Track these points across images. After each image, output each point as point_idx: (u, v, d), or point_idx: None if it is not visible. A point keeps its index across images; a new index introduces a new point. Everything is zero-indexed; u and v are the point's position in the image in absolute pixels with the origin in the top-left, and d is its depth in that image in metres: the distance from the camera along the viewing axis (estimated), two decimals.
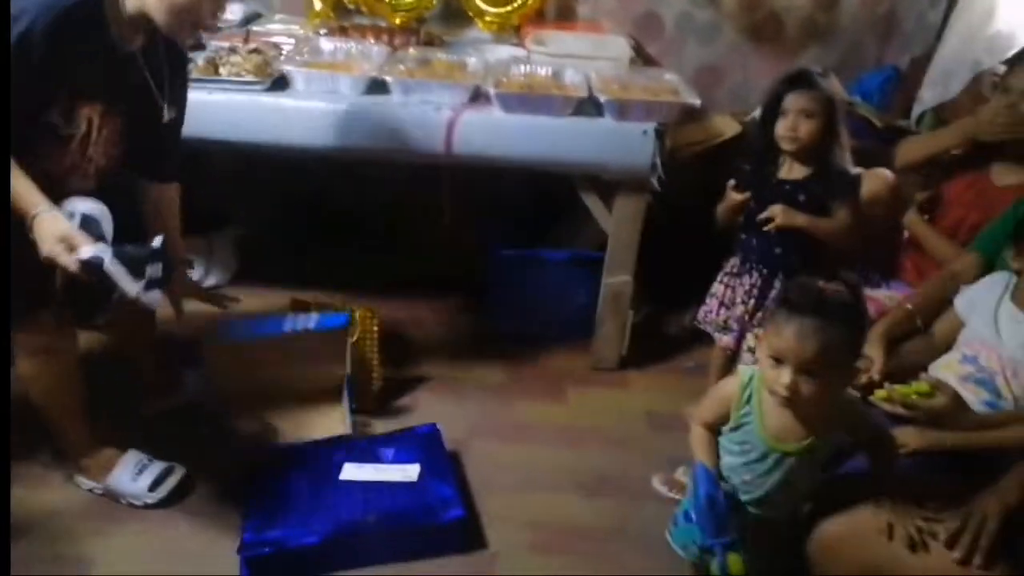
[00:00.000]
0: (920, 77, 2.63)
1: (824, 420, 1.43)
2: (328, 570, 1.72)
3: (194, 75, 2.09)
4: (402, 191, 2.80)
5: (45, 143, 1.55)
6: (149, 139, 1.74)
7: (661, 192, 2.20)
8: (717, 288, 2.06)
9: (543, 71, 2.29)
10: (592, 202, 2.30)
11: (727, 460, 1.54)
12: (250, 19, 2.68)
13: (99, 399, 1.88)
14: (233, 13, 2.65)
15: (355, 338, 2.14)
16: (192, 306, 2.57)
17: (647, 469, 2.05)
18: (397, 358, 2.34)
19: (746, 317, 1.99)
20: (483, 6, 2.73)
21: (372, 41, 2.44)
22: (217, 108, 2.09)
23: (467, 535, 1.81)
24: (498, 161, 2.18)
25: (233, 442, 1.96)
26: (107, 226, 1.51)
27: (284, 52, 2.31)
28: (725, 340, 2.05)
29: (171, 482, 1.87)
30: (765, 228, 1.89)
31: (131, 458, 1.87)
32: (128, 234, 1.53)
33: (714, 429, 1.56)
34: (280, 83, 2.15)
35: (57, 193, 1.50)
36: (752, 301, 1.98)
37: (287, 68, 2.15)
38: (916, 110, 2.56)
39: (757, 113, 2.62)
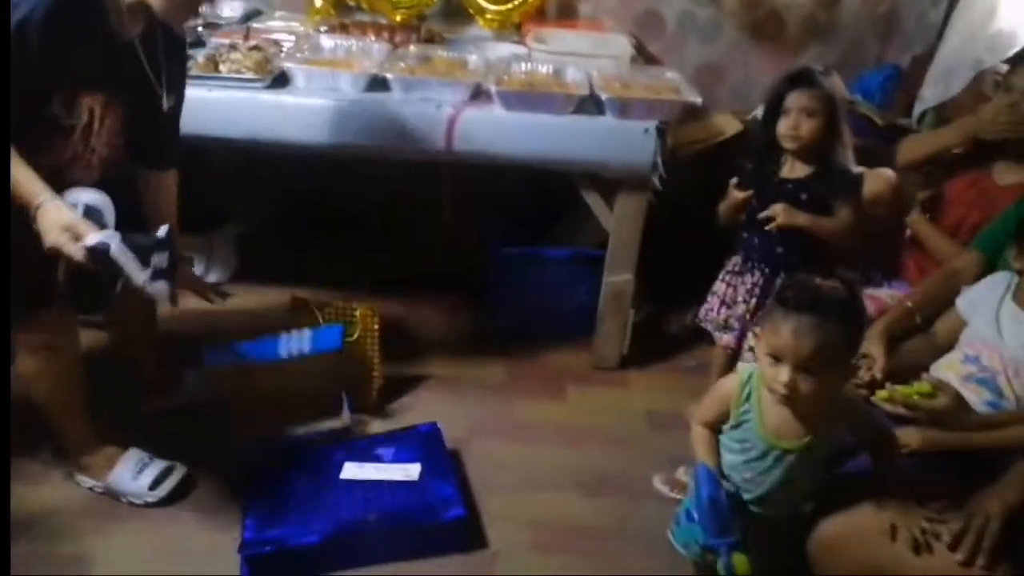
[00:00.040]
0: (921, 76, 2.62)
1: (823, 417, 1.43)
2: (328, 569, 1.72)
3: (194, 72, 2.09)
4: (402, 189, 2.79)
5: (47, 134, 1.54)
6: (148, 127, 1.73)
7: (662, 190, 2.20)
8: (719, 286, 2.06)
9: (544, 69, 2.29)
10: (593, 200, 2.30)
11: (728, 458, 1.54)
12: (250, 16, 2.67)
13: (100, 397, 1.88)
14: (233, 10, 2.65)
15: (355, 336, 2.14)
16: (192, 304, 2.59)
17: (648, 468, 2.05)
18: (398, 356, 2.34)
19: (747, 316, 1.99)
20: (484, 4, 2.73)
21: (373, 38, 2.43)
22: (217, 105, 2.08)
23: (468, 534, 1.81)
24: (499, 159, 2.17)
25: (234, 441, 1.96)
26: (109, 217, 1.51)
27: (284, 49, 2.31)
28: (726, 339, 2.05)
29: (172, 481, 1.86)
30: (766, 228, 1.88)
31: (132, 456, 1.87)
32: (130, 224, 1.53)
33: (715, 428, 1.56)
34: (280, 80, 2.14)
35: (60, 185, 1.49)
36: (753, 300, 1.98)
37: (287, 65, 2.14)
38: (917, 109, 2.55)
39: (758, 111, 2.63)
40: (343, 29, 2.52)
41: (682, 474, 1.98)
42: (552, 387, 2.38)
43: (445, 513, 1.76)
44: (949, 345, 1.69)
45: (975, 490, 1.42)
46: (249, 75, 2.11)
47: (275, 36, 2.44)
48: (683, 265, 2.31)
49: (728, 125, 2.64)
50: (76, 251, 1.42)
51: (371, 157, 2.21)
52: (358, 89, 2.13)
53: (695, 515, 1.48)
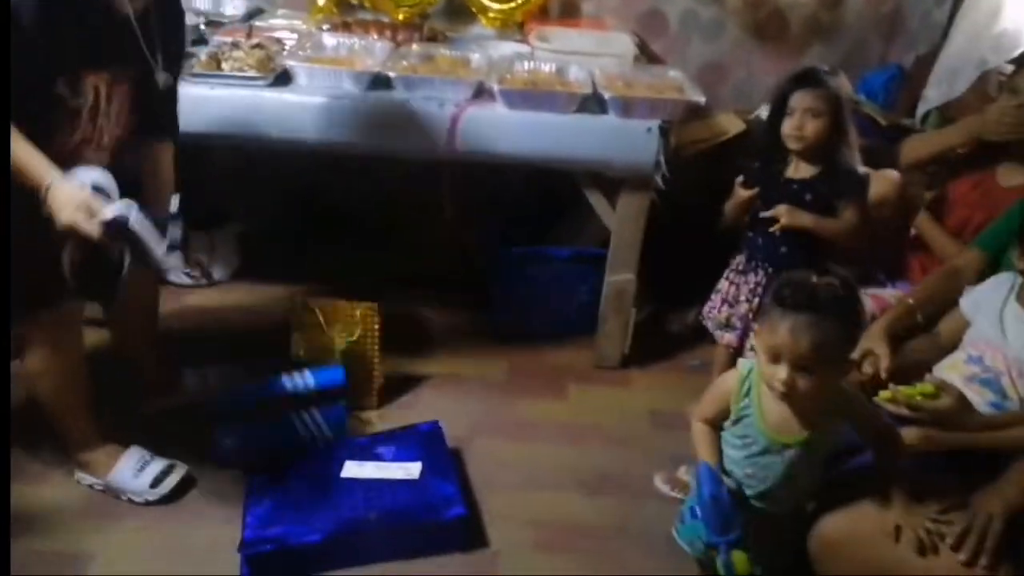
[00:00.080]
0: (925, 76, 2.61)
1: (822, 413, 1.44)
2: (329, 568, 1.71)
3: (197, 70, 2.09)
4: (403, 188, 2.79)
5: (54, 116, 1.53)
6: (145, 101, 1.72)
7: (665, 190, 2.20)
8: (722, 284, 2.06)
9: (547, 68, 2.28)
10: (595, 199, 2.29)
11: (730, 454, 1.54)
12: (252, 14, 2.67)
13: (101, 396, 1.88)
14: (236, 8, 2.64)
15: (356, 336, 2.13)
16: (191, 302, 2.60)
17: (649, 467, 2.04)
18: (399, 355, 2.33)
19: (750, 315, 1.99)
20: (487, 2, 2.72)
21: (375, 37, 2.43)
22: (219, 103, 2.07)
23: (468, 533, 1.81)
24: (502, 158, 2.17)
25: (234, 441, 1.95)
26: (115, 196, 1.50)
27: (287, 47, 2.30)
28: (728, 338, 2.04)
29: (172, 479, 1.86)
30: (770, 229, 1.88)
31: (133, 455, 1.87)
32: (132, 199, 1.52)
33: (715, 425, 1.57)
34: (283, 78, 2.14)
35: (70, 168, 1.48)
36: (756, 299, 1.97)
37: (290, 63, 2.14)
38: (921, 109, 2.54)
39: (761, 111, 2.64)
40: (345, 27, 2.52)
41: (683, 473, 1.98)
42: (554, 386, 2.37)
43: (446, 512, 1.76)
44: (953, 345, 1.69)
45: (976, 489, 1.42)
46: (251, 73, 2.11)
47: (277, 34, 2.44)
48: (685, 264, 2.31)
49: (731, 124, 2.64)
50: (93, 227, 1.42)
51: (373, 155, 2.20)
52: (361, 88, 2.12)
53: (698, 513, 1.48)
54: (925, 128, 2.50)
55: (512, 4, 2.72)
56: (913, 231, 2.11)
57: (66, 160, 1.49)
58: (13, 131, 1.42)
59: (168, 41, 1.70)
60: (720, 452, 1.56)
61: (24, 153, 1.43)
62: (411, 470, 1.85)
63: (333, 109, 2.10)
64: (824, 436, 1.47)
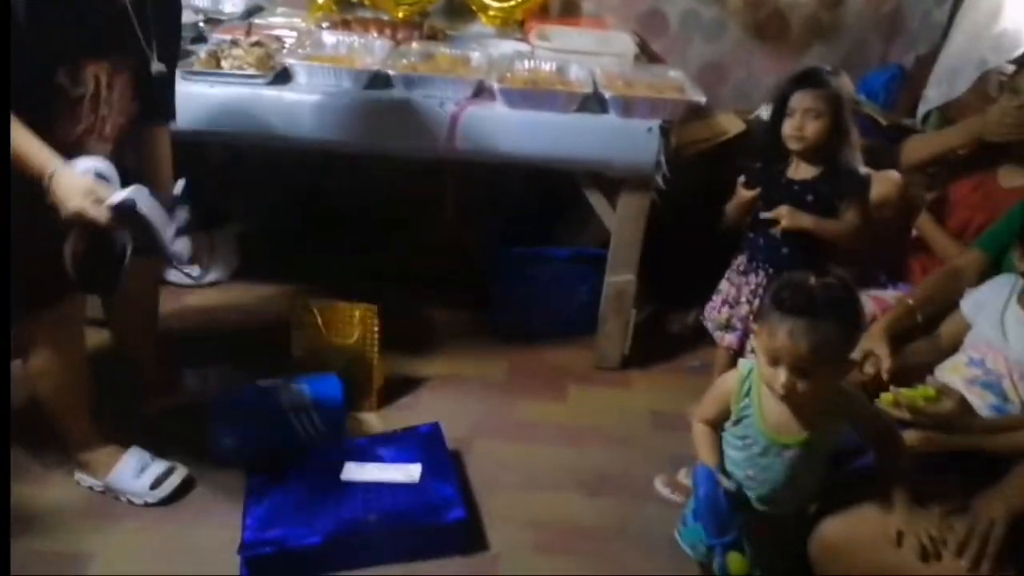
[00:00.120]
0: (925, 76, 2.61)
1: (822, 414, 1.44)
2: (329, 570, 1.71)
3: (196, 68, 2.08)
4: (403, 187, 2.78)
5: (55, 107, 1.52)
6: (145, 89, 1.70)
7: (665, 190, 2.19)
8: (723, 285, 2.05)
9: (547, 67, 2.28)
10: (596, 199, 2.28)
11: (731, 455, 1.54)
12: (252, 12, 2.65)
13: (101, 397, 1.87)
14: (235, 6, 2.63)
15: (355, 338, 2.13)
16: (191, 302, 2.59)
17: (649, 469, 2.04)
18: (398, 356, 2.33)
19: (750, 317, 1.98)
20: (487, 0, 2.71)
21: (375, 35, 2.42)
22: (218, 101, 2.06)
23: (468, 536, 1.80)
24: (502, 157, 2.16)
25: (232, 440, 1.95)
26: (116, 184, 1.49)
27: (286, 45, 2.29)
28: (728, 339, 2.04)
29: (172, 481, 1.85)
30: (771, 230, 1.88)
31: (133, 456, 1.86)
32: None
33: (716, 426, 1.57)
34: (282, 77, 2.13)
35: (74, 158, 1.47)
36: (757, 300, 1.97)
37: (289, 61, 2.13)
38: (921, 109, 2.54)
39: (761, 111, 2.63)
40: (345, 25, 2.51)
41: (683, 476, 1.97)
42: (554, 387, 2.37)
43: (446, 514, 1.76)
44: (953, 347, 1.69)
45: (976, 491, 1.42)
46: (251, 71, 2.10)
47: (277, 32, 2.43)
48: (686, 265, 2.31)
49: (731, 125, 2.63)
50: (100, 213, 1.41)
51: (373, 154, 2.20)
52: (360, 86, 2.11)
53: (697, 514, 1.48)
54: (926, 128, 2.49)
55: (512, 2, 2.70)
56: (914, 232, 2.11)
57: (69, 151, 1.48)
58: (14, 121, 1.42)
59: (164, 31, 1.68)
60: (721, 453, 1.56)
61: (26, 142, 1.42)
62: (411, 472, 1.84)
63: (332, 107, 2.09)
64: (824, 437, 1.47)
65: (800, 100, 1.81)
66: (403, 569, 1.73)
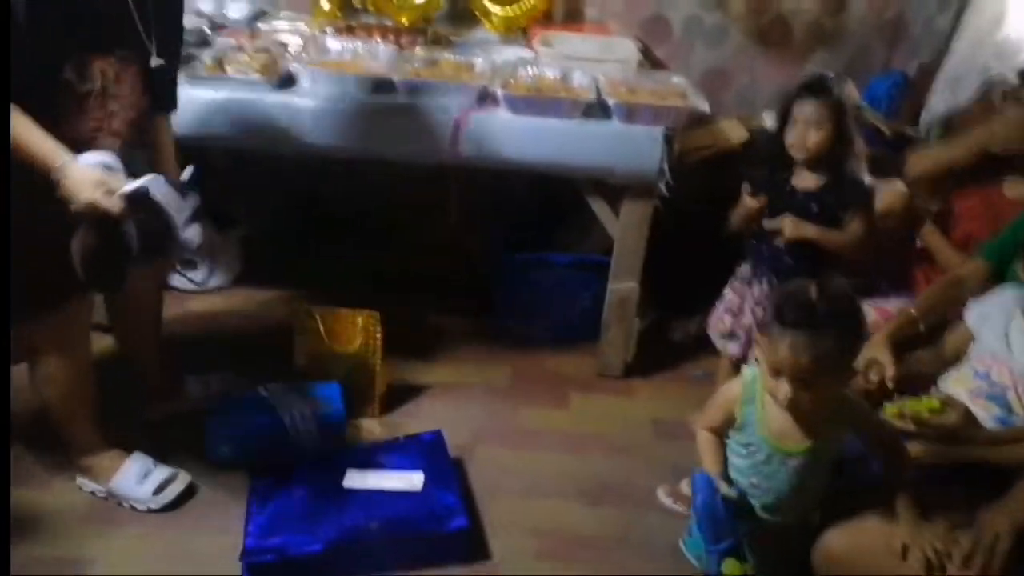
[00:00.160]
0: (928, 83, 2.61)
1: (825, 422, 1.44)
2: None
3: (201, 73, 2.08)
4: (406, 192, 2.78)
5: (64, 103, 1.52)
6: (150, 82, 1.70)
7: (668, 196, 2.19)
8: (727, 294, 2.05)
9: (551, 73, 2.27)
10: (598, 206, 2.28)
11: (735, 462, 1.54)
12: (256, 17, 2.65)
13: (103, 402, 1.87)
14: (239, 11, 2.63)
15: (358, 344, 2.12)
16: (194, 308, 2.59)
17: (652, 478, 2.04)
18: (401, 362, 2.33)
19: (754, 326, 1.98)
20: (490, 7, 2.71)
21: (379, 40, 2.42)
22: (223, 106, 2.06)
23: (470, 544, 1.80)
24: (505, 163, 2.16)
25: (230, 448, 1.95)
26: (122, 176, 1.50)
27: (291, 50, 2.29)
28: (731, 348, 2.04)
29: (175, 488, 1.85)
30: (775, 241, 1.88)
31: (136, 462, 1.86)
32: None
33: (720, 433, 1.57)
34: (287, 82, 2.13)
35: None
36: (760, 310, 1.97)
37: (294, 67, 2.13)
38: (925, 117, 2.54)
39: (764, 118, 2.63)
40: (349, 31, 2.51)
41: (686, 486, 1.96)
42: (556, 394, 2.37)
43: (448, 523, 1.75)
44: (957, 358, 1.68)
45: (981, 503, 1.41)
46: (256, 76, 2.10)
47: (281, 37, 2.43)
48: (689, 272, 2.31)
49: (734, 132, 2.63)
50: (113, 203, 1.42)
51: (376, 159, 2.19)
52: (364, 92, 2.11)
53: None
54: (930, 136, 2.49)
55: (516, 9, 2.71)
56: (918, 243, 2.10)
57: (79, 147, 1.48)
58: (21, 116, 1.42)
59: (164, 26, 1.68)
60: (724, 461, 1.56)
61: (32, 136, 1.42)
62: (413, 481, 1.84)
63: (337, 113, 2.09)
64: (828, 445, 1.47)
65: (802, 109, 1.81)
66: None
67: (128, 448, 1.89)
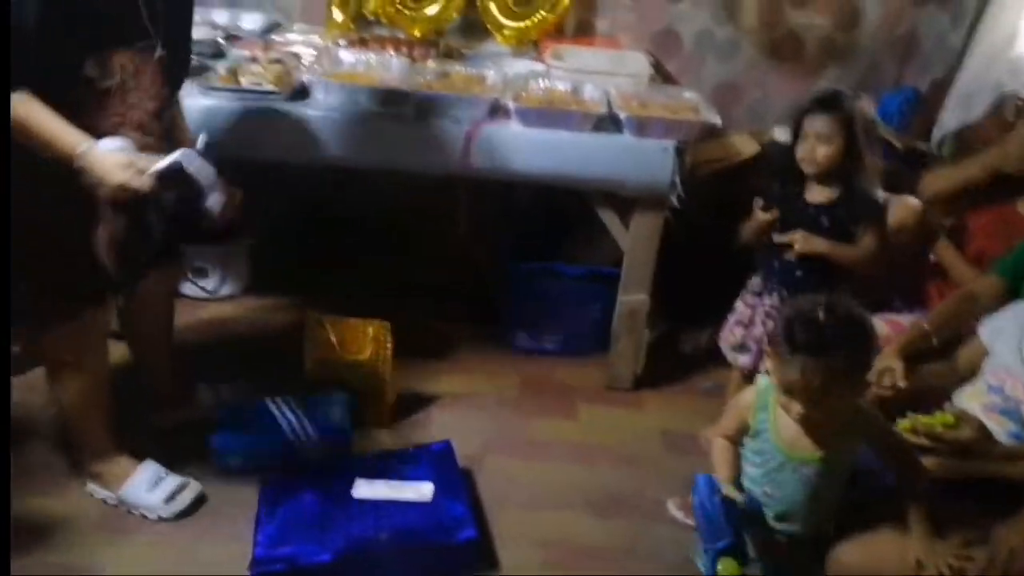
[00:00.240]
0: (941, 99, 2.61)
1: (837, 433, 1.44)
2: None
3: (215, 84, 2.09)
4: (416, 201, 2.78)
5: (86, 99, 1.52)
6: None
7: (679, 209, 2.19)
8: (738, 306, 2.05)
9: (562, 86, 2.29)
10: (609, 218, 2.29)
11: (748, 471, 1.54)
12: (270, 29, 2.68)
13: (115, 409, 1.87)
14: (254, 23, 2.65)
15: (368, 354, 2.13)
16: (205, 316, 2.60)
17: (661, 490, 2.03)
18: (410, 372, 2.33)
19: (765, 339, 1.97)
20: (502, 20, 2.73)
21: (391, 53, 2.44)
22: (236, 117, 2.08)
23: (479, 555, 1.80)
24: (516, 175, 2.17)
25: (236, 460, 1.95)
26: (144, 157, 1.51)
27: (304, 62, 2.31)
28: (742, 360, 2.03)
29: (186, 497, 1.85)
30: (785, 256, 1.88)
31: (147, 470, 1.86)
32: None
33: (735, 441, 1.57)
34: (300, 93, 2.15)
35: None
36: (771, 322, 1.96)
37: (307, 78, 2.15)
38: (937, 133, 2.54)
39: (775, 131, 2.63)
40: (362, 43, 2.53)
41: None
42: (565, 405, 2.37)
43: (457, 534, 1.75)
44: (971, 372, 1.68)
45: (995, 519, 1.40)
46: (269, 87, 2.11)
47: (294, 49, 2.45)
48: (699, 285, 2.31)
49: (745, 145, 2.64)
50: (144, 182, 1.44)
51: (388, 171, 2.20)
52: (377, 103, 2.12)
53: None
54: (941, 151, 2.49)
55: (527, 22, 2.72)
56: (932, 258, 2.09)
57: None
58: (41, 106, 1.42)
59: (172, 22, 1.67)
60: (734, 466, 1.56)
61: (54, 124, 1.43)
62: (423, 491, 1.83)
63: (349, 124, 2.11)
64: (840, 455, 1.47)
65: (813, 123, 1.82)
66: None
67: (138, 455, 1.89)
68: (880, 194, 1.86)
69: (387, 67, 2.30)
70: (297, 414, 1.99)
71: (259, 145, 2.12)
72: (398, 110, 2.12)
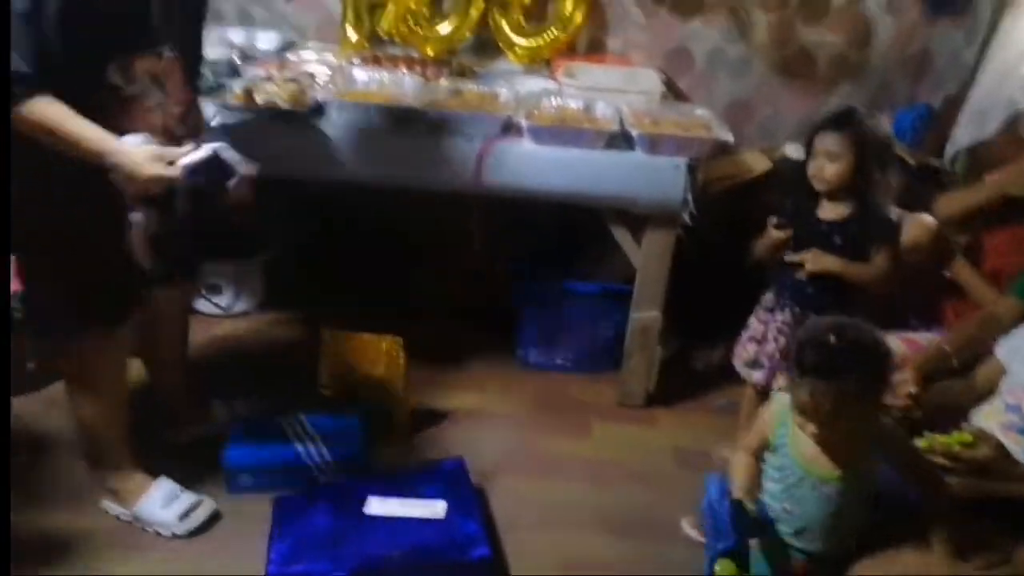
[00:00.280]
0: (953, 116, 2.60)
1: (856, 451, 1.43)
2: None
3: (231, 102, 2.12)
4: (430, 218, 2.80)
5: (109, 106, 1.52)
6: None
7: (691, 226, 2.19)
8: (751, 322, 2.04)
9: (575, 104, 2.29)
10: (621, 235, 2.29)
11: (768, 487, 1.54)
12: (285, 48, 2.71)
13: (130, 426, 1.88)
14: (269, 42, 2.68)
15: (382, 370, 2.13)
16: (220, 332, 2.62)
17: (674, 508, 2.02)
18: (423, 388, 2.33)
19: (777, 355, 1.97)
20: (514, 38, 2.75)
21: (405, 71, 2.46)
22: (251, 135, 2.10)
23: (492, 573, 1.78)
24: (529, 193, 2.18)
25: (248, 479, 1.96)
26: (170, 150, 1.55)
27: (319, 80, 2.33)
28: (756, 376, 2.03)
29: (200, 514, 1.86)
30: (797, 275, 1.87)
31: (162, 487, 1.87)
32: None
33: (758, 456, 1.57)
34: (315, 111, 2.16)
35: None
36: (783, 338, 1.96)
37: (322, 97, 2.17)
38: (950, 149, 2.53)
39: (787, 149, 2.64)
40: (376, 61, 2.55)
41: None
42: (577, 422, 2.36)
43: (470, 552, 1.74)
44: (989, 391, 1.67)
45: (1016, 539, 1.39)
46: (284, 106, 2.13)
47: (309, 67, 2.47)
48: (712, 301, 2.30)
49: (757, 162, 2.64)
50: (175, 172, 1.47)
51: (401, 188, 2.22)
52: (390, 122, 2.14)
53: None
54: (954, 168, 2.48)
55: (540, 40, 2.74)
56: (948, 275, 2.08)
57: None
58: (65, 109, 1.43)
59: (185, 23, 1.69)
60: (751, 476, 1.56)
61: (78, 124, 1.44)
62: (436, 509, 1.83)
63: (363, 142, 2.12)
64: (860, 474, 1.45)
65: (823, 141, 1.83)
66: None
67: (153, 472, 1.90)
68: (894, 211, 1.86)
69: (400, 85, 2.32)
70: (313, 438, 2.00)
71: (273, 163, 2.10)
72: (411, 128, 2.14)
